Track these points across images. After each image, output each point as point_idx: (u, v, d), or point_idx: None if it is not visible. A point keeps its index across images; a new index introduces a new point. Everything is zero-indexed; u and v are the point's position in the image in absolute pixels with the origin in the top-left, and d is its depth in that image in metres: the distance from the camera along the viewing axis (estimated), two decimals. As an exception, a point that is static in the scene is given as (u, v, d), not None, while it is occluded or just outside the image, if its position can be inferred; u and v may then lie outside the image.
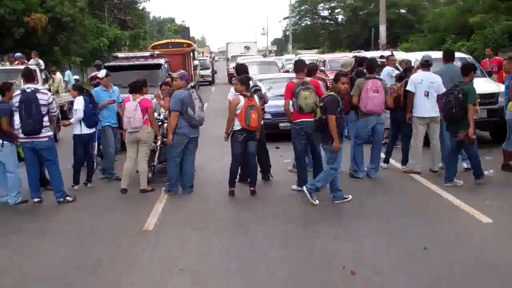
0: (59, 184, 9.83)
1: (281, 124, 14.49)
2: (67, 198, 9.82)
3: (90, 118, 10.71)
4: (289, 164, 11.62)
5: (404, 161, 11.23)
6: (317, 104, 9.17)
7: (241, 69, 10.76)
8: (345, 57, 19.33)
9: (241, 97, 9.62)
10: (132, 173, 10.50)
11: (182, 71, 10.72)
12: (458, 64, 11.75)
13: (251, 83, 10.24)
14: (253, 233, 7.91)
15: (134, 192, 10.28)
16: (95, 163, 11.36)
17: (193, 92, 9.98)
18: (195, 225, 8.37)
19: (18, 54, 20.65)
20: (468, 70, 10.00)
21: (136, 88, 10.45)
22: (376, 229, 7.85)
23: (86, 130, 10.75)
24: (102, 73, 11.95)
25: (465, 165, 10.76)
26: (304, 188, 9.22)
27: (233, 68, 36.70)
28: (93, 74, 16.44)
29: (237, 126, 9.66)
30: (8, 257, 7.44)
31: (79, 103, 10.71)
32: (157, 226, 8.39)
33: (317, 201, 9.05)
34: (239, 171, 10.12)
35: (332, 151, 9.01)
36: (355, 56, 13.60)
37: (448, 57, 11.48)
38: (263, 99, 10.57)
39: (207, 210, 9.16)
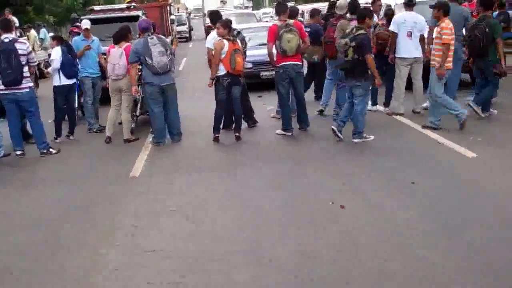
0: (41, 136, 9.71)
1: (262, 73, 14.42)
2: (51, 150, 9.73)
3: (68, 68, 10.53)
4: (272, 111, 11.60)
5: (387, 103, 11.23)
6: (348, 44, 8.94)
7: (216, 17, 10.37)
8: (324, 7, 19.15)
9: (225, 41, 9.45)
10: (116, 123, 10.43)
11: (142, 19, 10.55)
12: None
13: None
14: (241, 174, 7.91)
15: (118, 142, 10.22)
16: (76, 115, 11.23)
17: (151, 38, 9.51)
18: (182, 170, 8.35)
19: None
20: (489, 3, 10.04)
21: (122, 36, 10.35)
22: (363, 167, 7.87)
23: (65, 81, 10.58)
24: (86, 22, 11.75)
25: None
26: (333, 126, 9.25)
27: (209, 22, 36.05)
28: (71, 28, 16.15)
29: (221, 71, 9.53)
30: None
31: (57, 53, 10.55)
32: (143, 172, 8.38)
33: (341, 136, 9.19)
34: (223, 117, 10.05)
35: (369, 88, 9.21)
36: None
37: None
38: (244, 43, 10.43)
39: (193, 156, 9.12)
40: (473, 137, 8.92)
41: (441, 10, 9.31)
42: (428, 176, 7.31)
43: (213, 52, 9.59)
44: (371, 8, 10.63)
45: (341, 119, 9.35)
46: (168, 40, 9.71)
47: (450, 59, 9.32)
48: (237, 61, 9.35)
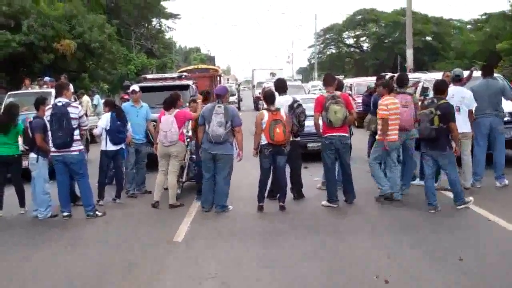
0: (89, 198, 9.87)
1: (309, 144, 14.43)
2: (97, 212, 9.85)
3: (114, 134, 10.72)
4: (318, 182, 11.53)
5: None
6: (434, 112, 9.02)
7: (281, 84, 10.66)
8: (372, 80, 19.32)
9: (265, 112, 9.62)
10: (163, 188, 10.54)
11: (219, 85, 10.80)
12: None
13: (291, 98, 10.32)
14: (284, 243, 7.83)
15: (163, 206, 10.27)
16: (124, 180, 11.39)
17: (219, 106, 9.60)
18: (224, 237, 8.34)
19: (47, 78, 20.97)
20: None
21: (172, 103, 10.52)
22: (410, 241, 7.71)
23: (111, 147, 10.79)
24: (134, 86, 12.05)
25: (498, 184, 10.64)
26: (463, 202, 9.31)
27: (259, 93, 36.63)
28: (122, 94, 16.59)
29: (263, 140, 9.65)
30: (43, 263, 7.51)
31: (103, 120, 10.92)
32: (186, 237, 8.38)
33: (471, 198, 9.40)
34: (268, 185, 10.04)
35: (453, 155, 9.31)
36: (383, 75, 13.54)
37: (488, 71, 11.27)
38: (304, 116, 10.31)
39: (236, 223, 9.12)
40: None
41: (386, 88, 10.05)
42: (476, 253, 7.10)
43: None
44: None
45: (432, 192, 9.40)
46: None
47: (395, 132, 9.84)
48: (276, 131, 9.40)
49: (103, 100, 23.18)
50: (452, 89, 10.65)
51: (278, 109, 9.65)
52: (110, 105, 11.27)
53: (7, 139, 10.16)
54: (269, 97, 9.80)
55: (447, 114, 9.05)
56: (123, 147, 11.09)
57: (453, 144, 9.24)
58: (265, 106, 9.83)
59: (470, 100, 10.40)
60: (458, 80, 10.67)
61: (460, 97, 10.44)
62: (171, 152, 10.34)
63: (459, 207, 9.23)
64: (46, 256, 7.84)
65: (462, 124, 10.40)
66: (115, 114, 10.85)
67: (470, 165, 10.61)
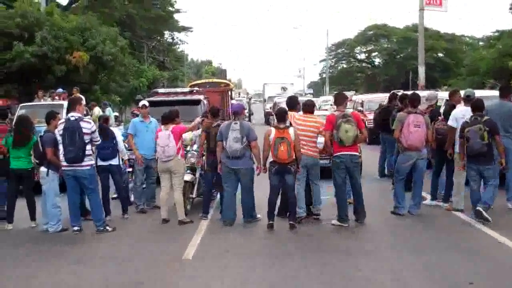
0: (99, 213, 9.91)
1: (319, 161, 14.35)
2: (107, 227, 9.86)
3: (99, 150, 10.62)
4: (328, 200, 11.42)
5: (446, 198, 11.01)
6: (483, 129, 9.52)
7: (293, 103, 10.88)
8: (383, 97, 19.26)
9: (273, 129, 9.69)
10: (170, 203, 10.54)
11: (235, 103, 10.97)
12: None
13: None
14: (291, 264, 7.81)
15: (173, 222, 10.27)
16: (126, 195, 11.43)
17: (235, 123, 9.97)
18: (233, 255, 8.33)
19: (59, 90, 21.11)
20: None
21: (169, 118, 10.60)
22: (419, 263, 7.68)
23: (99, 162, 10.72)
24: (143, 102, 12.09)
25: (510, 205, 10.59)
26: (479, 208, 9.55)
27: (270, 108, 36.57)
28: (133, 109, 16.63)
29: (270, 157, 9.75)
30: (50, 280, 7.52)
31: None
32: (195, 255, 8.36)
33: (490, 218, 9.46)
34: (275, 204, 10.02)
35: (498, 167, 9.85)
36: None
37: (505, 92, 11.23)
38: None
39: (246, 241, 9.11)
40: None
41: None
42: (487, 277, 7.05)
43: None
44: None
45: (482, 204, 9.65)
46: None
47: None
48: (280, 149, 9.41)
49: (115, 113, 23.43)
50: (463, 109, 10.63)
51: (287, 127, 9.66)
52: (103, 121, 11.13)
53: (21, 153, 10.22)
54: (279, 115, 9.85)
55: (494, 129, 9.66)
56: (114, 163, 10.86)
57: (500, 157, 9.77)
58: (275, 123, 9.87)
59: (481, 119, 10.35)
60: (469, 100, 10.63)
61: (471, 117, 10.42)
62: (170, 168, 10.40)
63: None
64: (53, 273, 7.82)
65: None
66: (99, 131, 10.49)
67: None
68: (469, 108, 10.46)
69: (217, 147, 10.14)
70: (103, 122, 11.09)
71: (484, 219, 9.43)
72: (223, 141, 9.96)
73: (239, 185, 10.17)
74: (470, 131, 9.61)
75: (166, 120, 10.61)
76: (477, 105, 9.97)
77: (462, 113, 10.52)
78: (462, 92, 11.71)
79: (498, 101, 11.08)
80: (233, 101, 33.73)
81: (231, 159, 9.89)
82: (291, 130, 9.65)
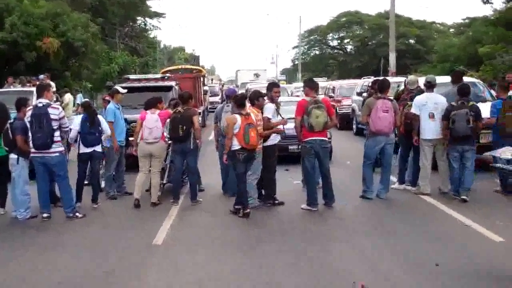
0: (69, 199, 9.85)
1: (290, 147, 14.44)
2: (77, 214, 9.82)
3: (85, 137, 10.49)
4: (299, 185, 11.55)
5: (414, 182, 11.16)
6: (469, 114, 9.99)
7: (257, 96, 10.30)
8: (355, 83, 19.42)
9: (237, 116, 9.51)
10: (144, 189, 10.56)
11: (229, 87, 11.24)
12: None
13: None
14: (262, 250, 7.87)
15: (143, 208, 10.32)
16: (100, 183, 11.37)
17: (227, 105, 10.92)
18: (204, 241, 8.35)
19: (41, 76, 20.62)
20: None
21: (153, 104, 10.88)
22: (387, 247, 7.80)
23: (84, 149, 10.57)
24: (119, 88, 12.00)
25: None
26: (464, 197, 10.11)
27: (243, 94, 36.06)
28: (104, 95, 16.50)
29: (235, 145, 9.47)
30: (21, 269, 7.44)
31: (76, 121, 10.63)
32: (166, 241, 8.39)
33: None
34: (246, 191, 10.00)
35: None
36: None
37: (457, 78, 11.50)
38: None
39: (216, 226, 9.16)
40: (502, 222, 8.77)
41: None
42: (453, 258, 7.19)
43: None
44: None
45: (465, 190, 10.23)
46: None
47: None
48: (251, 135, 9.33)
49: (85, 100, 23.21)
50: (425, 95, 10.77)
51: (248, 114, 9.62)
52: (85, 107, 10.98)
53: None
54: (240, 101, 9.79)
55: (479, 113, 10.18)
56: (98, 150, 10.69)
57: None
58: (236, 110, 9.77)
59: (444, 106, 10.50)
60: (430, 87, 10.78)
61: (434, 103, 10.58)
62: (153, 151, 10.50)
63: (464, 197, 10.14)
64: (23, 261, 7.74)
65: (437, 131, 10.52)
66: (87, 117, 10.54)
67: (447, 170, 10.67)
68: (431, 94, 10.64)
69: (214, 129, 10.78)
70: (87, 107, 10.93)
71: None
72: (218, 123, 10.87)
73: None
74: (457, 114, 9.99)
75: (150, 106, 10.88)
76: (463, 90, 10.36)
77: (425, 99, 10.68)
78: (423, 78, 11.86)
79: (453, 86, 11.34)
80: (205, 88, 33.73)
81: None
82: (253, 116, 9.65)
